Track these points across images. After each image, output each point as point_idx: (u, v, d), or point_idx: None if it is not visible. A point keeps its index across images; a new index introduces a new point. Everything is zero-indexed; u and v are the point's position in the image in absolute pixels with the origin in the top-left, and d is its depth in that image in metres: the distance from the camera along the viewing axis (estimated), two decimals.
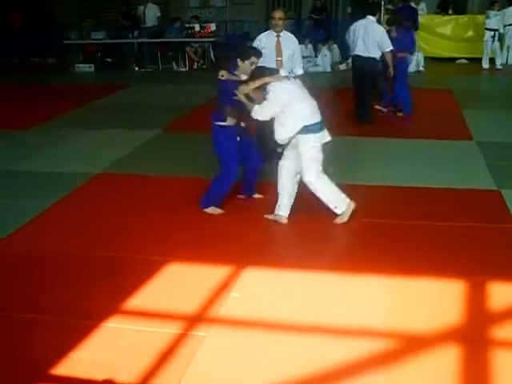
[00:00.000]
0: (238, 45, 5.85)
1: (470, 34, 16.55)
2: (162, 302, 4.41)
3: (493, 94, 12.76)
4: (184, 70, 16.67)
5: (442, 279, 4.65)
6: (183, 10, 19.34)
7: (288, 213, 5.78)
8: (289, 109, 5.45)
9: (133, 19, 18.02)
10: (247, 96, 5.59)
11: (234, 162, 5.85)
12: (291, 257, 5.18)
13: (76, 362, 3.71)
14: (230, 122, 5.80)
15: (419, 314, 4.23)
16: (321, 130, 5.58)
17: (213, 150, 5.98)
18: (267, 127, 6.75)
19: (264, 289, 4.62)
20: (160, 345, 3.85)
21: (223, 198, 6.00)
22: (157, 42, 16.89)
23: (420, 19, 15.54)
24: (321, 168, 5.63)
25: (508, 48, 15.97)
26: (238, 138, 5.89)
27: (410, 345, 3.86)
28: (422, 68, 15.19)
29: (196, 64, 16.79)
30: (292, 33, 7.79)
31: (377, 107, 10.52)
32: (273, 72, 5.77)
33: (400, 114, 10.35)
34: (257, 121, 5.77)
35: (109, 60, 17.35)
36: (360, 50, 9.39)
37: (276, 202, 5.78)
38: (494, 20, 15.28)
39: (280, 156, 5.84)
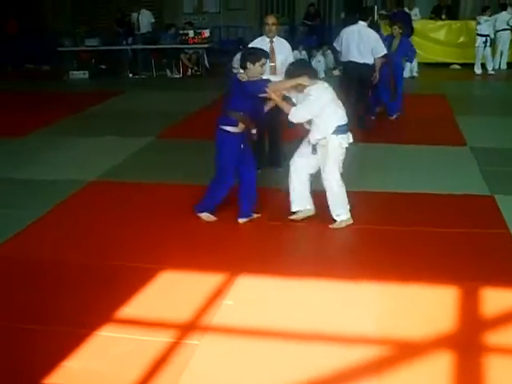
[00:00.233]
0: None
1: (463, 39, 16.62)
2: (155, 310, 4.40)
3: (486, 100, 12.81)
4: (178, 76, 16.67)
5: (435, 285, 4.66)
6: (177, 17, 19.37)
7: (302, 207, 5.85)
8: (325, 110, 5.51)
9: (127, 26, 18.03)
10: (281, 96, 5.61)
11: (230, 172, 5.80)
12: (285, 264, 5.15)
13: (69, 371, 3.70)
14: (240, 127, 5.67)
15: (413, 320, 4.23)
16: (348, 130, 5.68)
17: (215, 155, 5.88)
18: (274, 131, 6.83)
19: (257, 296, 4.62)
20: (153, 353, 3.84)
21: (217, 204, 5.98)
22: (151, 49, 16.89)
23: (414, 24, 15.63)
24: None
25: (501, 53, 16.03)
26: (242, 146, 5.78)
27: (404, 351, 3.86)
28: (415, 74, 15.23)
29: (190, 70, 16.78)
30: (286, 39, 7.84)
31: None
32: (311, 71, 5.77)
33: (392, 118, 10.42)
34: (259, 125, 5.76)
35: (103, 67, 17.35)
36: (355, 56, 9.36)
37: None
38: (485, 26, 15.37)
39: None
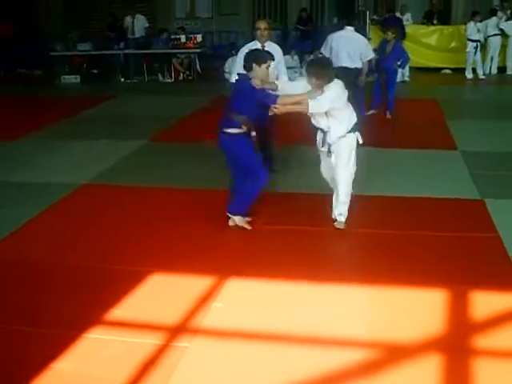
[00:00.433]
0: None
1: (454, 44, 16.70)
2: (145, 313, 4.40)
3: (476, 104, 12.87)
4: (170, 81, 16.67)
5: (425, 288, 4.67)
6: (169, 22, 19.39)
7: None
8: (344, 107, 5.64)
9: (118, 30, 18.03)
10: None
11: (260, 167, 5.69)
12: (278, 267, 5.13)
13: (59, 374, 3.69)
14: (244, 128, 5.64)
15: (403, 323, 4.24)
16: (359, 129, 5.83)
17: (227, 161, 5.80)
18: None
19: (247, 299, 4.62)
20: (143, 355, 3.84)
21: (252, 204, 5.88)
22: (143, 54, 16.89)
23: (406, 29, 15.71)
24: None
25: (491, 58, 16.12)
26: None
27: (393, 354, 3.87)
28: (407, 78, 15.28)
29: (182, 75, 16.79)
30: (278, 43, 7.87)
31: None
32: (332, 72, 5.79)
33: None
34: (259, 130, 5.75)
35: (95, 71, 17.31)
36: (345, 61, 9.40)
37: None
38: (475, 31, 15.46)
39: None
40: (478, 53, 15.62)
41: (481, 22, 15.61)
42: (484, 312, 4.32)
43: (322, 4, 19.88)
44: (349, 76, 9.37)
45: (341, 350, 3.94)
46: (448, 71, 16.67)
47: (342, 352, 3.90)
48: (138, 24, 17.47)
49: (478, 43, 15.55)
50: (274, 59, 5.83)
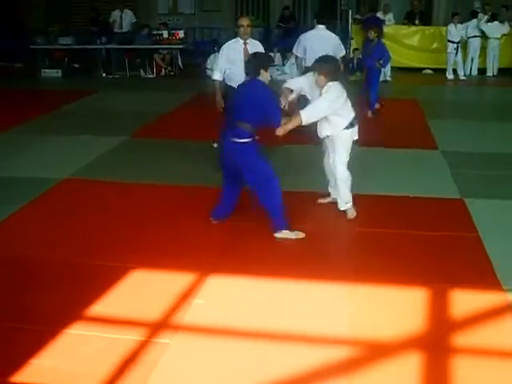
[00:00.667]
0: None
1: (436, 45, 16.77)
2: (125, 309, 4.39)
3: (457, 104, 12.96)
4: (151, 76, 16.60)
5: (405, 287, 4.71)
6: (151, 17, 19.28)
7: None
8: (338, 110, 5.72)
9: (101, 25, 17.91)
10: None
11: (272, 171, 5.51)
12: (261, 264, 5.14)
13: (38, 369, 3.68)
14: (254, 137, 5.51)
15: (382, 321, 4.27)
16: (356, 123, 5.96)
17: (244, 176, 5.54)
18: None
19: (228, 295, 4.63)
20: (123, 351, 3.83)
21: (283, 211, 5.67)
22: (125, 49, 16.78)
23: (387, 29, 15.79)
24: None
25: (471, 60, 16.24)
26: None
27: (373, 352, 3.90)
28: (388, 78, 15.33)
29: (164, 71, 16.73)
30: (260, 41, 7.87)
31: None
32: (338, 69, 5.98)
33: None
34: None
35: (76, 66, 17.20)
36: None
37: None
38: (455, 32, 15.58)
39: None
40: (459, 54, 15.75)
41: (461, 23, 15.72)
42: (463, 310, 4.36)
43: (305, 2, 19.88)
44: None
45: (322, 347, 3.95)
46: (429, 71, 16.76)
47: (323, 349, 3.91)
48: (126, 19, 17.46)
49: (458, 44, 15.67)
50: (273, 61, 5.83)
